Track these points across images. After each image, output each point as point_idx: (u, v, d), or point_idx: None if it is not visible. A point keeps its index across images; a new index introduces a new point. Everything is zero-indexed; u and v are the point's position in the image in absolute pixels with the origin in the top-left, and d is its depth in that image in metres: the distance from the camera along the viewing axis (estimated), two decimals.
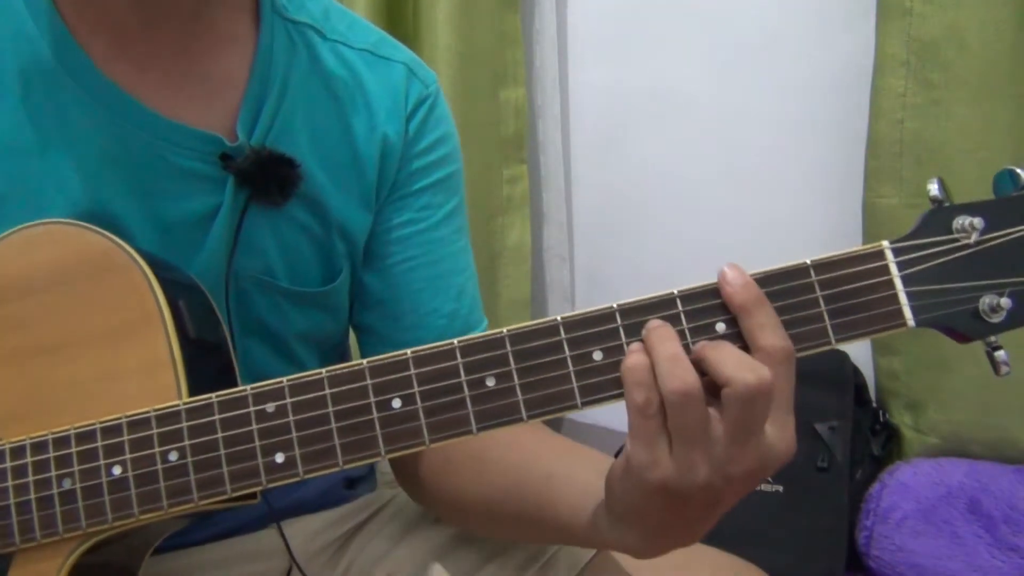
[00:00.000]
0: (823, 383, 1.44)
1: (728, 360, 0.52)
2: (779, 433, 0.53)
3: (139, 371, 0.61)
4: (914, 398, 1.45)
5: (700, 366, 0.53)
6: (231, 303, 0.73)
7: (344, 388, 0.57)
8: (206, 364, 0.64)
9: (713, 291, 0.55)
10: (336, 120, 0.77)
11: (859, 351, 1.49)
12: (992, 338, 0.55)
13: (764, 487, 1.43)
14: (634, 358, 0.53)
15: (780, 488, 1.42)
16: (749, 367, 0.52)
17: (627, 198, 1.69)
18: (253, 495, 0.60)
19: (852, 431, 1.41)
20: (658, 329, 0.54)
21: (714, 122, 1.60)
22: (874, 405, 1.50)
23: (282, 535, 0.79)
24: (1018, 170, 0.54)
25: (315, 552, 0.85)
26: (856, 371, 1.47)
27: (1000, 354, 0.55)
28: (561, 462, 0.68)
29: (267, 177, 0.72)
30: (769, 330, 0.53)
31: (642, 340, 0.54)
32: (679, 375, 0.52)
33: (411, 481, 0.82)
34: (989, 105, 1.31)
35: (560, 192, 1.72)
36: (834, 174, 1.52)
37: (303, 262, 0.77)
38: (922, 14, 1.33)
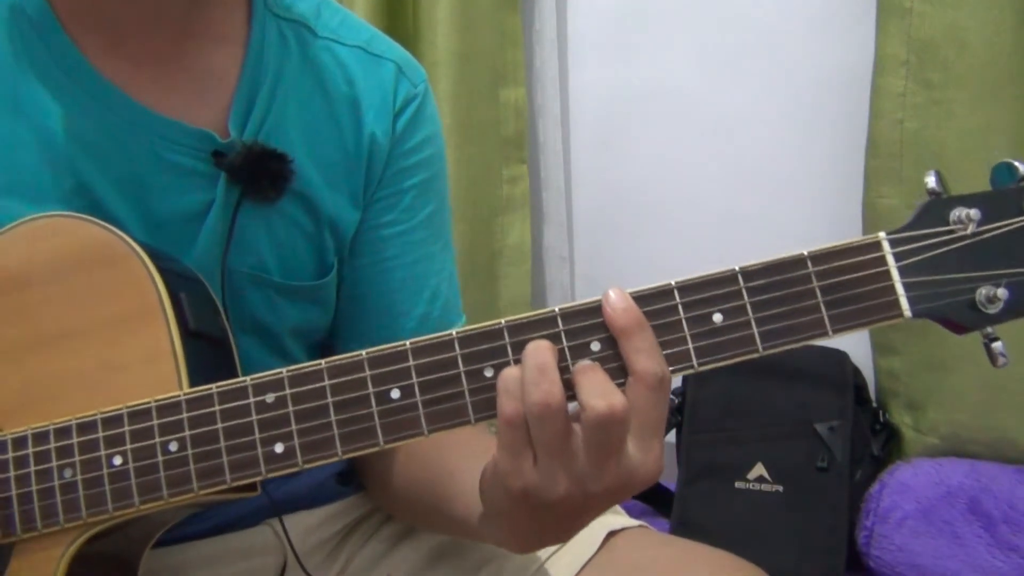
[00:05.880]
0: (823, 383, 1.44)
1: (585, 385, 0.53)
2: (642, 456, 0.54)
3: (140, 362, 0.62)
4: (914, 398, 1.45)
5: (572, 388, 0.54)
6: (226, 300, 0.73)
7: (343, 379, 0.57)
8: (207, 355, 0.64)
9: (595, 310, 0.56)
10: (327, 117, 0.77)
11: (859, 351, 1.49)
12: (989, 329, 0.55)
13: (764, 487, 1.43)
14: (509, 369, 0.54)
15: (780, 488, 1.42)
16: (601, 393, 0.53)
17: (627, 198, 1.69)
18: (253, 486, 0.60)
19: (852, 431, 1.41)
20: (536, 342, 0.54)
21: (714, 122, 1.61)
22: (874, 405, 1.50)
23: (284, 530, 0.79)
24: (1016, 163, 0.54)
25: (312, 548, 0.84)
26: (856, 371, 1.47)
27: (997, 345, 0.55)
28: (465, 459, 0.69)
29: (259, 173, 0.72)
30: (644, 354, 0.54)
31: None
32: (543, 387, 0.53)
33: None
34: (989, 105, 1.31)
35: (560, 192, 1.72)
36: (834, 174, 1.52)
37: (296, 257, 0.77)
38: (922, 14, 1.33)
